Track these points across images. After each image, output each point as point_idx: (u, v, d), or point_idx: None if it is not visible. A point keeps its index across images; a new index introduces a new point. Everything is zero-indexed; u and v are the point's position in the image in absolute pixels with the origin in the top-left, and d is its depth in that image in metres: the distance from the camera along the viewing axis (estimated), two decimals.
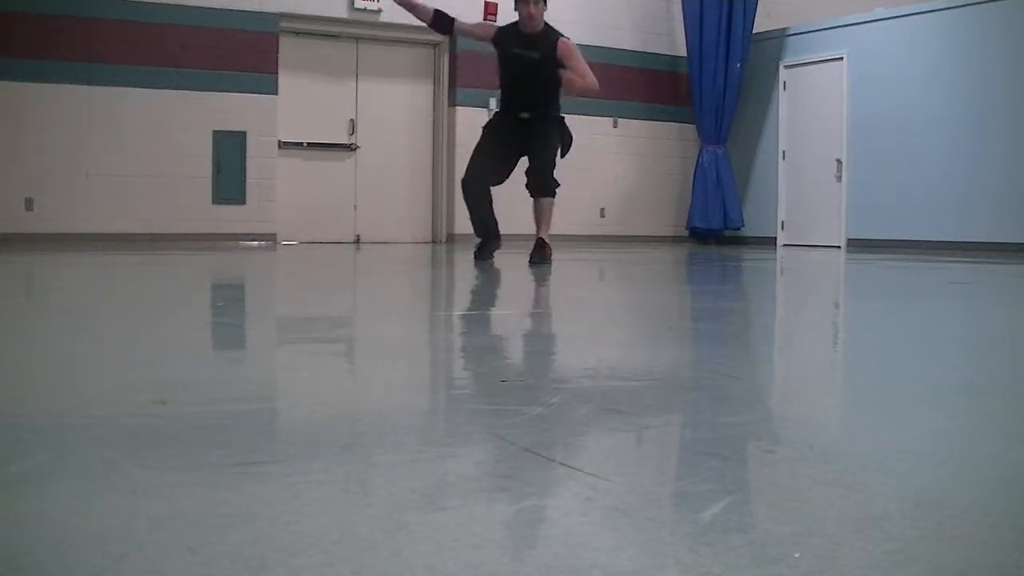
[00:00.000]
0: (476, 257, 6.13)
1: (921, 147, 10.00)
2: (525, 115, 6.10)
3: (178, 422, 1.34)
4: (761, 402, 1.68)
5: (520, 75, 6.07)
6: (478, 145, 6.31)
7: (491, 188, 6.23)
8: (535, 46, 5.98)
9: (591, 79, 5.98)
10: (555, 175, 6.12)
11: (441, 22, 6.26)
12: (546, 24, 6.04)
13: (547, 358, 2.22)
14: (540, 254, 5.97)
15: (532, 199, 6.14)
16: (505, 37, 6.12)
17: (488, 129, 6.37)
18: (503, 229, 6.33)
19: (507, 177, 6.31)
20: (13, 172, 8.62)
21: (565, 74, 5.92)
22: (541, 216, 6.12)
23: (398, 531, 0.88)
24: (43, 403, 1.51)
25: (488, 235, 6.21)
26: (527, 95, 6.11)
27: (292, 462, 1.14)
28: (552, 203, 6.14)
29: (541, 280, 4.78)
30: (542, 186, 6.07)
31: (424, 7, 6.27)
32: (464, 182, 6.25)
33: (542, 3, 5.96)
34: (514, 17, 6.09)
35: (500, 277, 5.11)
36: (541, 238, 6.05)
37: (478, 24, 6.47)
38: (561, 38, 6.03)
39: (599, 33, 11.14)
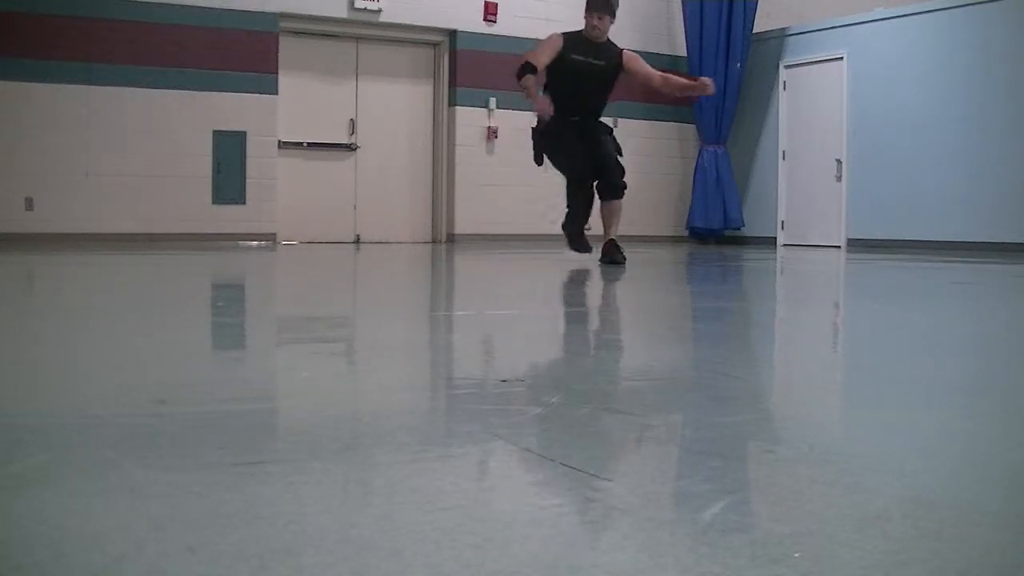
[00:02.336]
0: (578, 249, 6.36)
1: (921, 147, 10.00)
2: (575, 118, 6.23)
3: (178, 422, 1.34)
4: (761, 402, 1.68)
5: (582, 81, 6.20)
6: (562, 150, 6.28)
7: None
8: (601, 55, 6.23)
9: (671, 79, 6.49)
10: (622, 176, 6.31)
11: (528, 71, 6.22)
12: (608, 38, 6.28)
13: (547, 358, 2.22)
14: (612, 254, 6.19)
15: (601, 201, 6.35)
16: (569, 45, 6.23)
17: (551, 133, 6.28)
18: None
19: None
20: (13, 172, 8.62)
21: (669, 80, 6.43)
22: (611, 217, 6.36)
23: (398, 531, 0.88)
24: (43, 403, 1.51)
25: (582, 225, 6.43)
26: (585, 101, 6.27)
27: (292, 462, 1.14)
28: (621, 204, 6.35)
29: (541, 281, 4.78)
30: (613, 188, 6.28)
31: (535, 87, 6.24)
32: (579, 184, 6.31)
33: (608, 17, 6.18)
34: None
35: (500, 278, 5.11)
36: (612, 239, 6.29)
37: (544, 48, 6.27)
38: (625, 50, 6.38)
39: None
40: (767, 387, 1.90)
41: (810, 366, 2.18)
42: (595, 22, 6.17)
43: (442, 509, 0.95)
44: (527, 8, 10.61)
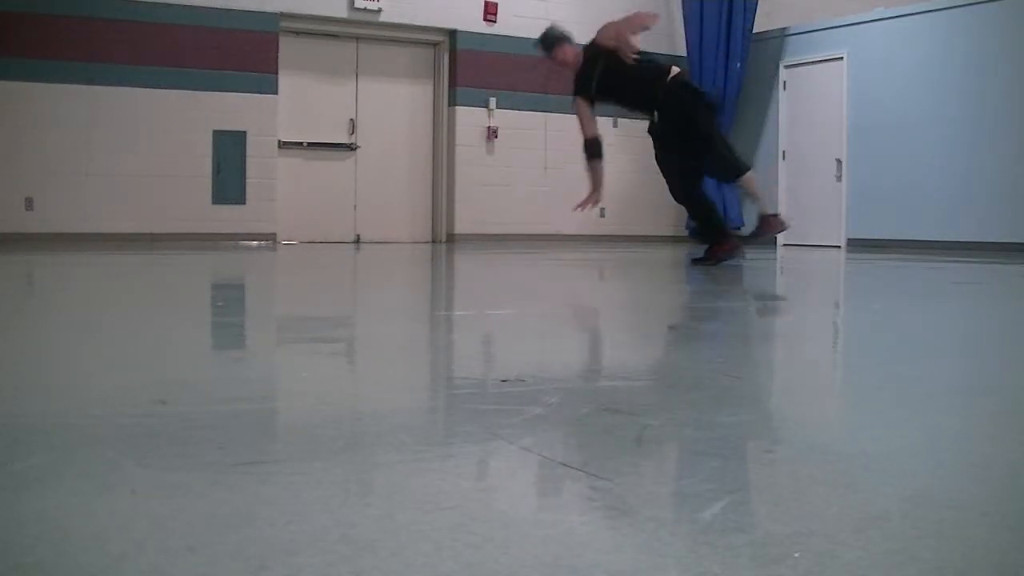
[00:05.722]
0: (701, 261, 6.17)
1: (921, 147, 9.99)
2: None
3: (178, 422, 1.34)
4: (761, 402, 1.68)
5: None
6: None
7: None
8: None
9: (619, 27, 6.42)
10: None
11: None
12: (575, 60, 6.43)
13: (547, 358, 2.22)
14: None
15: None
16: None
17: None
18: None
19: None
20: (13, 172, 8.62)
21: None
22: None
23: (398, 531, 0.88)
24: (43, 403, 1.51)
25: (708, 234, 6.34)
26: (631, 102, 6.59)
27: (292, 462, 1.14)
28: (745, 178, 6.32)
29: (541, 280, 4.78)
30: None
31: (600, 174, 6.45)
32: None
33: (544, 54, 6.39)
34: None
35: (500, 278, 5.11)
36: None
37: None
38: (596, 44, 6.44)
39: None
40: (767, 387, 1.90)
41: (810, 366, 2.17)
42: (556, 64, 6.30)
43: (442, 509, 0.95)
44: (527, 8, 10.59)
